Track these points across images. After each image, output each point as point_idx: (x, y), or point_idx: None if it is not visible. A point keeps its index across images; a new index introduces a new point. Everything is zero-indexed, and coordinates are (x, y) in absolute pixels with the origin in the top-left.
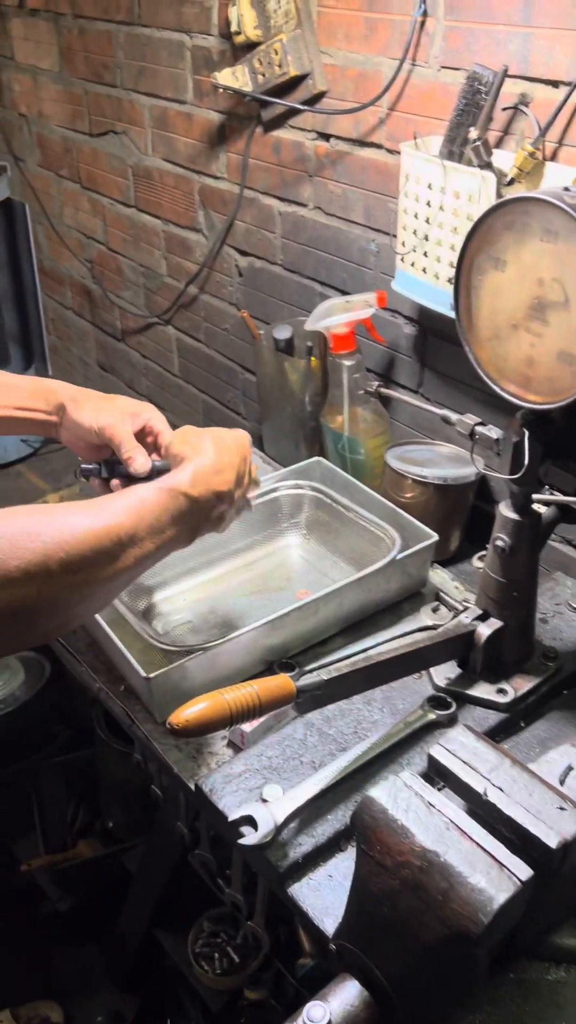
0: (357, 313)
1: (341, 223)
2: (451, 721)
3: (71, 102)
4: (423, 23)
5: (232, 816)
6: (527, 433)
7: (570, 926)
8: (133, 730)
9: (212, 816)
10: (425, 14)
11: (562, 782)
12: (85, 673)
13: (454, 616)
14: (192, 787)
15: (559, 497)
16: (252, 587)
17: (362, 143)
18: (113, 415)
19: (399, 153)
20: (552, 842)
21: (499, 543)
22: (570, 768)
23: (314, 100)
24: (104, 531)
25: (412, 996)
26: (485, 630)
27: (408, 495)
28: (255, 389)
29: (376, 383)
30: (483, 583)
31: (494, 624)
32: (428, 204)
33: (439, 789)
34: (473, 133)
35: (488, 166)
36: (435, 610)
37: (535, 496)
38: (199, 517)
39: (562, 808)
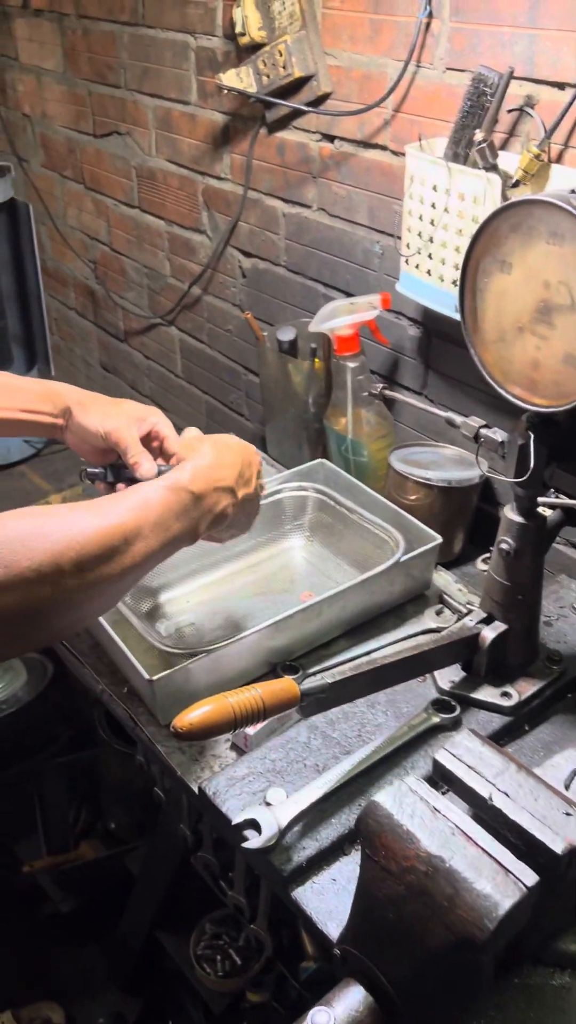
0: (361, 315)
1: (345, 225)
2: (455, 724)
3: (75, 103)
4: (428, 25)
5: (235, 819)
6: (532, 436)
7: (575, 931)
8: (136, 732)
9: (215, 819)
10: (430, 16)
11: (567, 787)
12: (88, 675)
13: (458, 619)
14: (195, 790)
15: (564, 500)
16: (255, 589)
17: (367, 145)
18: (120, 420)
19: (404, 155)
20: (558, 848)
21: (504, 546)
22: (575, 773)
23: (318, 101)
24: (112, 529)
25: (417, 1002)
26: (489, 633)
27: (412, 497)
28: (258, 390)
29: (380, 385)
30: (487, 586)
31: (498, 627)
32: (433, 206)
33: (443, 793)
34: (478, 135)
35: (493, 168)
36: (439, 613)
37: (540, 499)
38: (202, 512)
39: (568, 813)
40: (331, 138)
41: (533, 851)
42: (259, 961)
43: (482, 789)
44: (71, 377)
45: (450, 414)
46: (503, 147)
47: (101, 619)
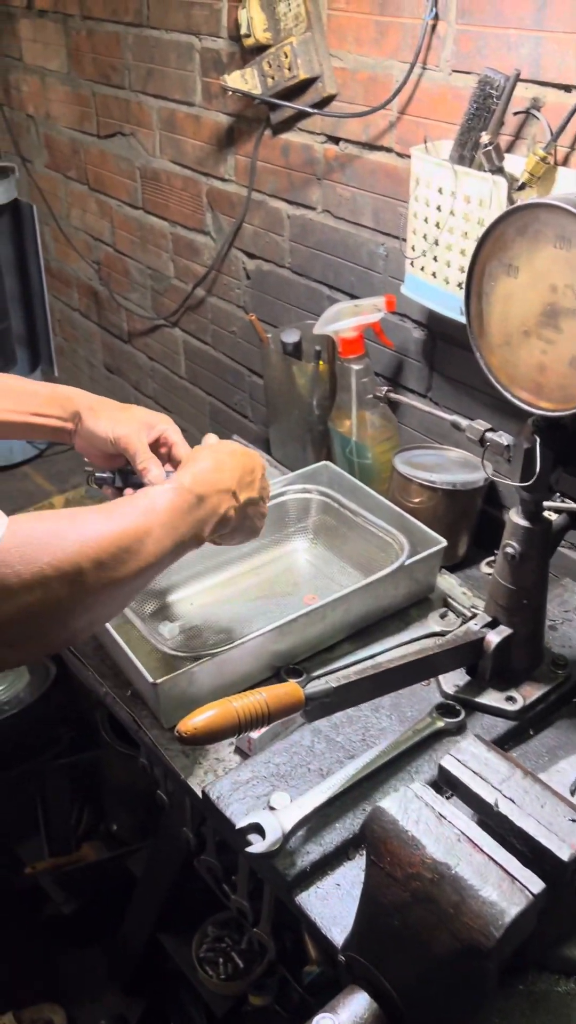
0: (366, 317)
1: (350, 227)
2: (460, 729)
3: (79, 103)
4: (434, 27)
5: (239, 824)
6: (538, 440)
7: None
8: (139, 736)
9: (219, 823)
10: (436, 18)
11: (573, 792)
12: (91, 677)
13: (462, 622)
14: (199, 794)
15: (570, 504)
16: (259, 592)
17: (372, 147)
18: (129, 426)
19: (409, 157)
20: (564, 855)
21: (509, 550)
22: None
23: (324, 103)
24: (125, 530)
25: (422, 1008)
26: (494, 637)
27: (416, 500)
28: (262, 392)
29: (385, 387)
30: (492, 590)
31: (503, 631)
32: (438, 208)
33: (447, 798)
34: (484, 137)
35: (499, 171)
36: (443, 616)
37: (546, 503)
38: (206, 513)
39: (574, 820)
40: (336, 140)
41: (539, 858)
42: (261, 964)
43: (488, 795)
44: (74, 378)
45: (455, 417)
46: (509, 149)
47: None
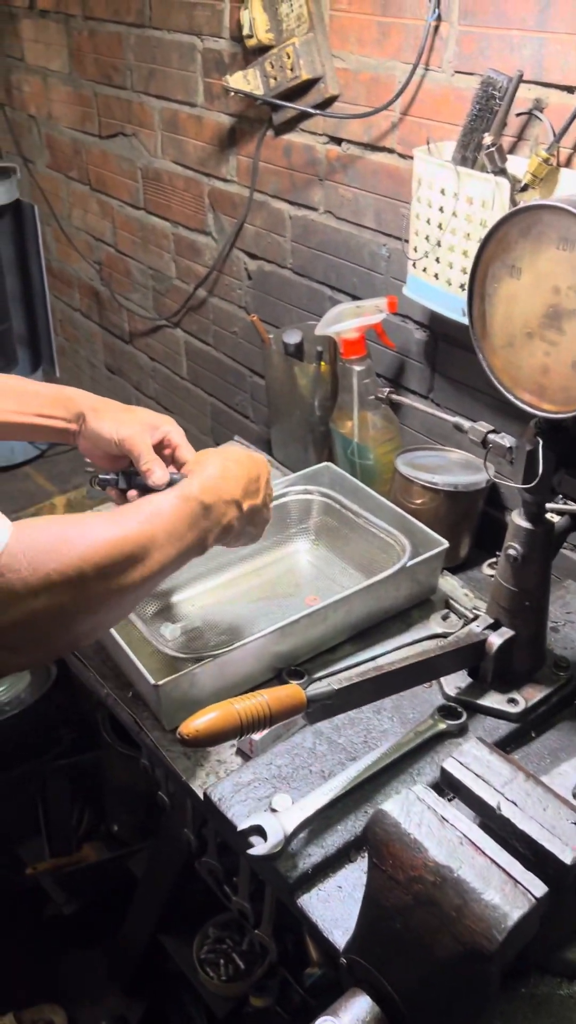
0: (368, 318)
1: (352, 227)
2: (461, 731)
3: (81, 104)
4: (437, 28)
5: (241, 826)
6: (541, 442)
7: None
8: (141, 737)
9: (221, 825)
10: (439, 19)
11: (575, 795)
12: (92, 679)
13: (464, 624)
14: (201, 796)
15: (572, 506)
16: (260, 593)
17: (374, 147)
18: (133, 427)
19: (411, 158)
20: (567, 858)
21: (511, 552)
22: None
23: (326, 104)
24: (130, 537)
25: (424, 1011)
26: (496, 639)
27: (418, 501)
28: (264, 393)
29: (387, 389)
30: (494, 592)
31: (505, 633)
32: (441, 210)
33: (449, 800)
34: (487, 139)
35: (502, 172)
36: (445, 618)
37: (548, 505)
38: (211, 522)
39: None
40: (338, 141)
41: (542, 861)
42: (262, 966)
43: (490, 798)
44: (76, 378)
45: (457, 419)
46: (512, 151)
47: None
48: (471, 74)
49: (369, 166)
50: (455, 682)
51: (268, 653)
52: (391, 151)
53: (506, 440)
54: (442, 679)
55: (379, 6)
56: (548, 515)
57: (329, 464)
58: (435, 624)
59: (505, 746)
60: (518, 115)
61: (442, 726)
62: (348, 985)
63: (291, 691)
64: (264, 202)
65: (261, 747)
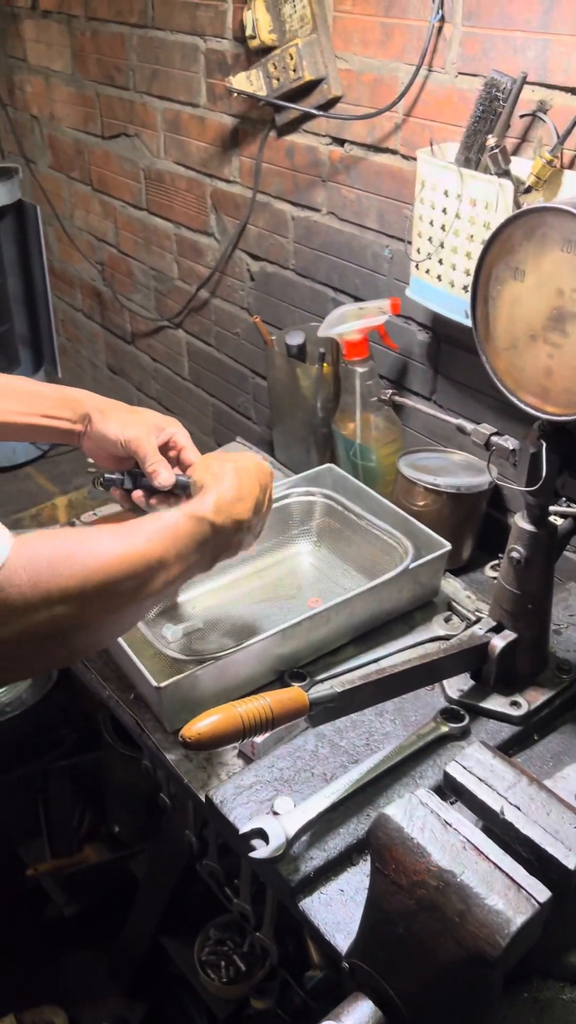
0: (370, 320)
1: (355, 229)
2: (464, 734)
3: (83, 104)
4: (440, 29)
5: (243, 829)
6: (544, 444)
7: None
8: (142, 739)
9: (222, 828)
10: (442, 20)
11: None
12: (94, 680)
13: (466, 626)
14: (202, 798)
15: None
16: (263, 595)
17: (377, 149)
18: (139, 428)
19: (415, 159)
20: (570, 863)
21: (514, 555)
22: None
23: (329, 105)
24: (136, 556)
25: (426, 1016)
26: (499, 642)
27: (420, 503)
28: (266, 394)
29: (389, 391)
30: (497, 595)
31: (508, 636)
32: (444, 211)
33: (451, 803)
34: (491, 140)
35: (506, 174)
36: (447, 620)
37: (551, 508)
38: (219, 544)
39: None
40: (341, 142)
41: (545, 866)
42: (263, 968)
43: (493, 802)
44: (77, 379)
45: (461, 421)
46: (515, 152)
47: None
48: (475, 75)
49: (372, 167)
50: (457, 685)
51: (270, 655)
52: (394, 152)
53: (509, 443)
54: (444, 682)
55: (382, 7)
56: (551, 518)
57: (331, 466)
58: (437, 626)
59: (507, 749)
60: (522, 117)
61: (444, 729)
62: (350, 989)
63: (293, 694)
64: (267, 203)
65: (263, 750)
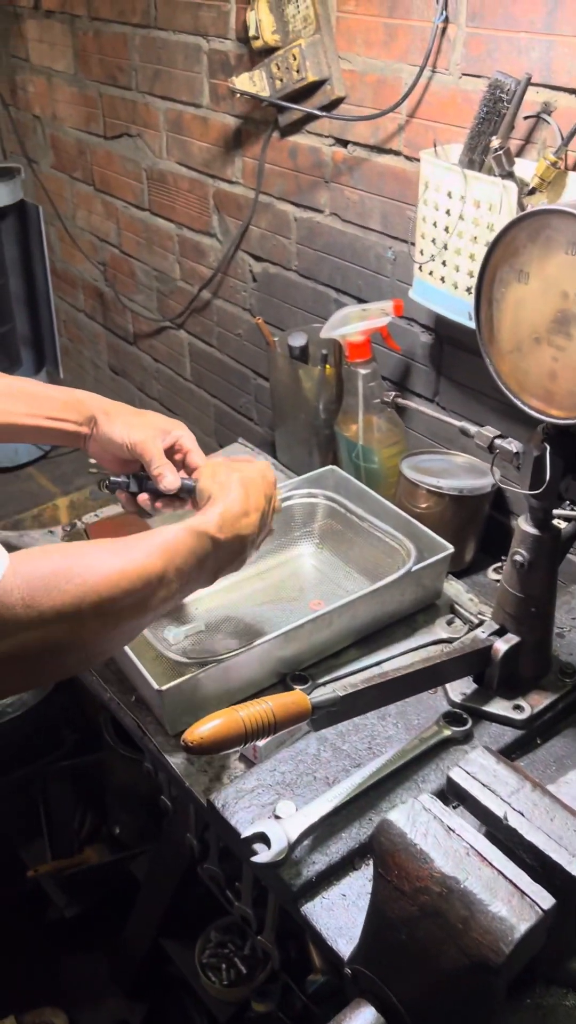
0: (373, 322)
1: (358, 230)
2: (467, 738)
3: (85, 104)
4: (444, 30)
5: (245, 833)
6: (548, 448)
7: None
8: (144, 742)
9: (224, 832)
10: (446, 21)
11: None
12: (95, 683)
13: (469, 629)
14: (204, 802)
15: None
16: (265, 597)
17: (380, 150)
18: (145, 431)
19: (418, 160)
20: (574, 869)
21: (517, 558)
22: None
23: (332, 106)
24: (134, 573)
25: (429, 1023)
26: (502, 645)
27: (423, 505)
28: (268, 395)
29: (392, 393)
30: (500, 598)
31: (511, 639)
32: (448, 213)
33: (454, 807)
34: (495, 142)
35: (510, 175)
36: (450, 623)
37: (555, 511)
38: (223, 559)
39: None
40: (344, 143)
41: (549, 872)
42: (265, 971)
43: (497, 808)
44: (79, 379)
45: (464, 423)
46: (519, 154)
47: None
48: (479, 76)
49: (375, 168)
50: (460, 688)
51: (272, 658)
52: (397, 153)
53: (513, 445)
54: (447, 685)
55: (386, 8)
56: (555, 521)
57: (334, 467)
58: (440, 629)
59: (510, 753)
60: (526, 118)
61: (447, 733)
62: (353, 996)
63: (296, 698)
64: (269, 204)
65: (265, 753)
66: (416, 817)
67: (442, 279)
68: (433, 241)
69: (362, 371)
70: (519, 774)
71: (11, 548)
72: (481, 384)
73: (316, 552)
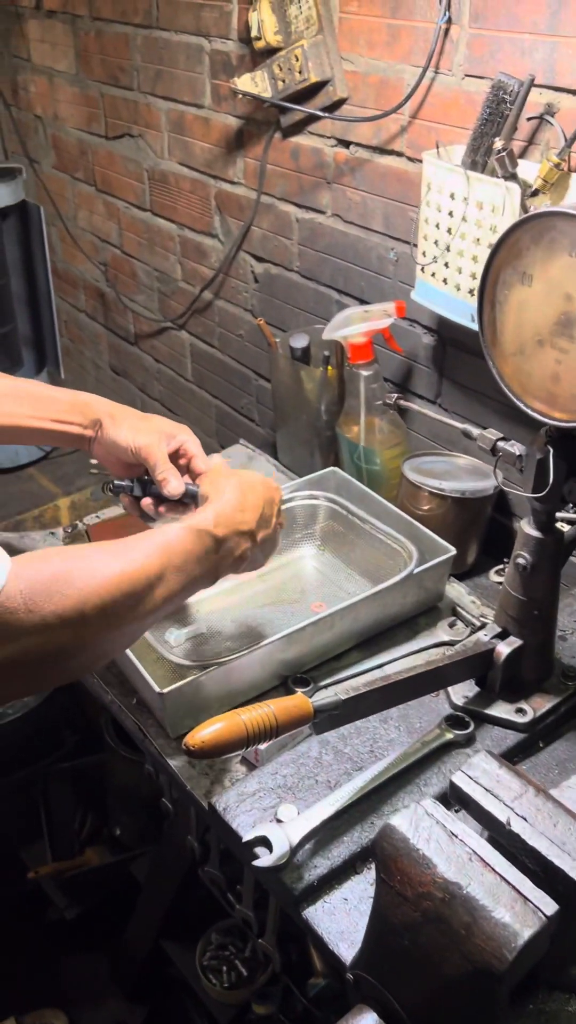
0: (375, 323)
1: (360, 231)
2: (469, 741)
3: (87, 104)
4: (447, 30)
5: (246, 836)
6: (551, 450)
7: None
8: (145, 744)
9: (225, 835)
10: (449, 21)
11: None
12: (97, 685)
13: (471, 632)
14: (205, 805)
15: None
16: (266, 599)
17: (382, 151)
18: (150, 436)
19: (420, 161)
20: None
21: (520, 561)
22: None
23: (334, 107)
24: (135, 574)
25: None
26: (504, 648)
27: (425, 507)
28: (269, 396)
29: (394, 395)
30: (503, 601)
31: (514, 642)
32: (450, 214)
33: (456, 812)
34: (497, 143)
35: (513, 177)
36: (452, 625)
37: (558, 514)
38: (221, 556)
39: None
40: (346, 143)
41: (552, 878)
42: (265, 973)
43: (500, 813)
44: (80, 380)
45: (466, 425)
46: (522, 155)
47: None
48: (481, 77)
49: (378, 169)
50: (462, 691)
51: (274, 660)
52: (400, 154)
53: (516, 448)
54: (449, 688)
55: (388, 8)
56: (558, 524)
57: (335, 469)
58: (442, 632)
59: (512, 756)
60: (529, 119)
61: (449, 736)
62: (355, 1001)
63: (298, 701)
64: (271, 204)
65: (266, 756)
66: (418, 822)
67: (444, 281)
68: (435, 243)
69: (364, 372)
70: (522, 778)
71: (12, 549)
72: (484, 386)
73: (318, 554)
